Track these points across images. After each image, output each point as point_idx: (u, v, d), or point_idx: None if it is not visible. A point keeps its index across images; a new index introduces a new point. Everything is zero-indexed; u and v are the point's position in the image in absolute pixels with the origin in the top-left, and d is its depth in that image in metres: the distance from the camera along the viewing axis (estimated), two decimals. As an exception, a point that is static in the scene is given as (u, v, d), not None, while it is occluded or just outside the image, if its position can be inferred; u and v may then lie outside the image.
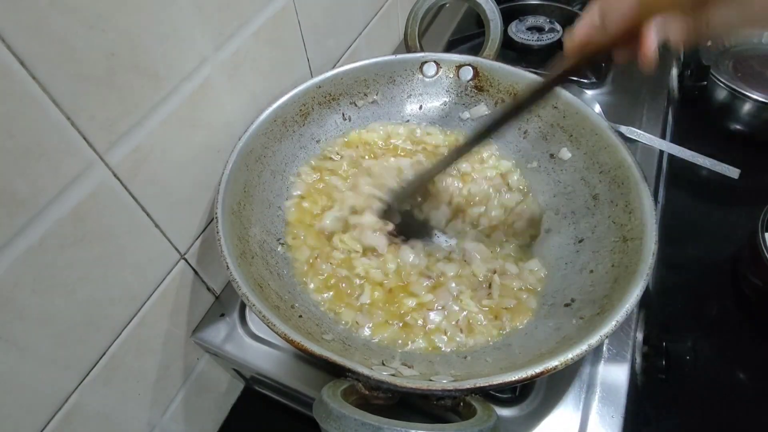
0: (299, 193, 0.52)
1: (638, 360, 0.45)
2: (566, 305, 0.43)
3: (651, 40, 0.30)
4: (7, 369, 0.33)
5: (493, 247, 0.49)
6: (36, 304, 0.34)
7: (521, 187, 0.54)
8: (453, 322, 0.44)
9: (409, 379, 0.35)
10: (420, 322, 0.44)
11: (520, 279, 0.46)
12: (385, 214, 0.50)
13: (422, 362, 0.41)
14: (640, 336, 0.46)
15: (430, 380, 0.33)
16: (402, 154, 0.57)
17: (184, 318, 0.49)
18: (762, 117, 0.74)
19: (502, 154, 0.56)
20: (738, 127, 0.77)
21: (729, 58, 0.78)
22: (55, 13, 0.30)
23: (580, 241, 0.48)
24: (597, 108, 0.65)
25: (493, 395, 0.43)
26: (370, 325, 0.43)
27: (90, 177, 0.35)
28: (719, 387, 0.57)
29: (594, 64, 0.36)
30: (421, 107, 0.59)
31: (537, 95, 0.40)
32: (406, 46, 0.64)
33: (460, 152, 0.46)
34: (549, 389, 0.43)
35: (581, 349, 0.33)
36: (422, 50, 0.61)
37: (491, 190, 0.53)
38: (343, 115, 0.56)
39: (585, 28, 0.35)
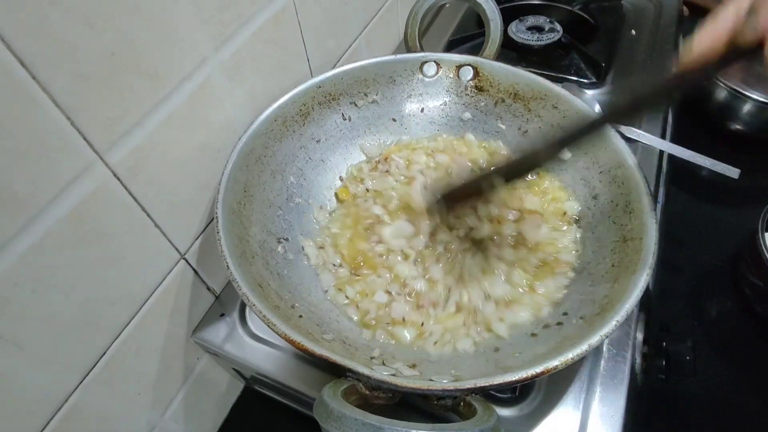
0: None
1: (638, 360, 0.45)
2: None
3: None
4: (7, 369, 0.33)
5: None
6: (36, 303, 0.33)
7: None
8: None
9: (410, 378, 0.35)
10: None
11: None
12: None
13: (423, 362, 0.41)
14: (640, 336, 0.46)
15: (431, 380, 0.33)
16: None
17: (184, 318, 0.49)
18: (762, 117, 0.74)
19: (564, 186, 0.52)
20: (738, 127, 0.77)
21: (729, 58, 0.78)
22: (55, 12, 0.30)
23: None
24: (597, 108, 0.65)
25: (493, 395, 0.43)
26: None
27: (90, 177, 0.35)
28: (719, 387, 0.58)
29: (713, 74, 0.32)
30: (421, 108, 0.59)
31: (640, 106, 0.35)
32: (406, 46, 0.64)
33: (531, 161, 0.40)
34: (549, 389, 0.43)
35: (581, 349, 0.33)
36: (422, 50, 0.61)
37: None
38: (343, 115, 0.56)
39: (720, 29, 0.31)
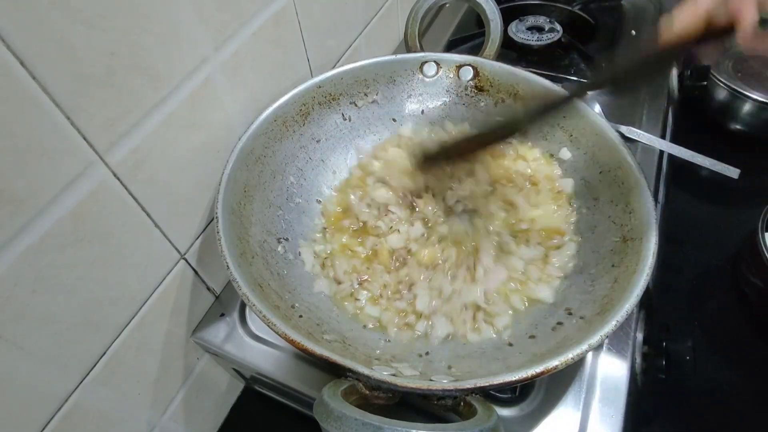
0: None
1: (638, 360, 0.45)
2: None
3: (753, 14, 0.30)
4: (7, 369, 0.33)
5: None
6: (36, 303, 0.34)
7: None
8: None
9: (410, 378, 0.35)
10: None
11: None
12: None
13: (423, 362, 0.41)
14: (640, 336, 0.46)
15: (431, 380, 0.33)
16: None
17: (184, 318, 0.49)
18: (762, 117, 0.74)
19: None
20: (738, 127, 0.77)
21: (729, 58, 0.78)
22: (55, 12, 0.30)
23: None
24: (597, 108, 0.65)
25: (493, 395, 0.43)
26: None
27: (90, 177, 0.35)
28: (719, 387, 0.58)
29: (692, 49, 0.34)
30: (421, 108, 0.59)
31: (635, 75, 0.37)
32: (406, 46, 0.64)
33: (513, 128, 0.42)
34: (549, 389, 0.43)
35: (581, 349, 0.33)
36: (422, 50, 0.61)
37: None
38: (343, 115, 0.56)
39: (699, 10, 0.32)
